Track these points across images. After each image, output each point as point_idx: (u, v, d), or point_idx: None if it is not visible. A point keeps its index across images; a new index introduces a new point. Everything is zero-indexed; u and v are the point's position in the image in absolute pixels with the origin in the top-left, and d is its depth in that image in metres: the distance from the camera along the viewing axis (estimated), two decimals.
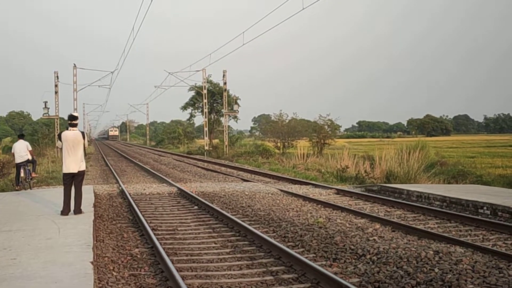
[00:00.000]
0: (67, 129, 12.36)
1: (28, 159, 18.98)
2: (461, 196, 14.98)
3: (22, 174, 18.82)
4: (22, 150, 18.85)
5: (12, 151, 19.30)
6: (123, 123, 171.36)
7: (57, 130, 42.89)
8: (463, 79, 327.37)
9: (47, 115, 46.37)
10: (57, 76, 45.33)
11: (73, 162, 12.07)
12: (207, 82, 55.57)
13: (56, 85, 45.18)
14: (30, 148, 19.38)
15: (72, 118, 12.43)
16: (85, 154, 12.89)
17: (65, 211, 12.16)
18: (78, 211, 12.25)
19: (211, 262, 9.08)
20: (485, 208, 13.66)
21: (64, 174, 12.22)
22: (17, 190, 18.80)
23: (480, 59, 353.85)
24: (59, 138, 12.46)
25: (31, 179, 19.64)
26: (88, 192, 16.10)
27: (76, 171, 12.14)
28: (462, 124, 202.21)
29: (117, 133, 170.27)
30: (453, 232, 11.42)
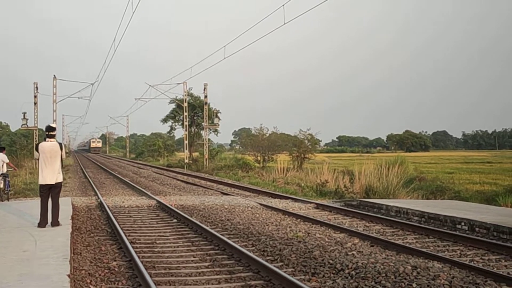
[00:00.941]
0: (45, 140, 12.27)
1: (3, 172, 18.81)
2: (439, 212, 15.08)
3: (1, 185, 18.66)
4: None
5: None
6: (103, 135, 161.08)
7: (36, 141, 42.49)
8: (445, 97, 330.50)
9: (26, 126, 46.05)
10: (37, 87, 45.08)
11: (50, 174, 11.96)
12: (188, 95, 55.69)
13: (35, 96, 44.91)
14: (7, 161, 19.22)
15: (50, 129, 12.35)
16: (63, 166, 12.78)
17: (42, 223, 12.03)
18: (55, 223, 12.12)
19: (189, 276, 9.03)
20: (462, 223, 13.76)
21: (41, 185, 12.11)
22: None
23: (462, 80, 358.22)
24: (36, 149, 12.38)
25: (9, 190, 19.43)
26: (66, 204, 15.97)
27: (53, 183, 12.03)
28: (440, 140, 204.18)
29: (100, 144, 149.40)
30: (431, 248, 11.47)
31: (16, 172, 19.55)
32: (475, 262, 10.01)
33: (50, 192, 12.13)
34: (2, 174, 18.74)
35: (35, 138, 46.09)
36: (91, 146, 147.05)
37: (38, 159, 12.31)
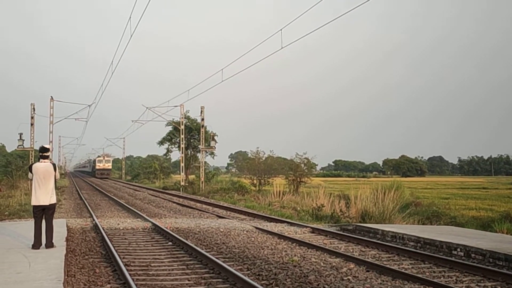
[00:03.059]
0: (39, 160, 12.26)
1: None
2: (435, 237, 15.05)
3: None
4: None
5: None
6: (99, 156, 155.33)
7: (32, 162, 42.44)
8: (439, 122, 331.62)
9: (22, 147, 45.98)
10: (34, 108, 45.10)
11: (44, 194, 11.92)
12: (185, 117, 55.65)
13: (32, 117, 44.93)
14: None
15: (44, 150, 12.35)
16: (56, 187, 12.74)
17: (36, 245, 11.96)
18: (49, 245, 12.05)
19: None
20: (458, 249, 13.73)
21: (34, 206, 12.05)
22: None
23: (457, 104, 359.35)
24: (30, 169, 12.34)
25: None
26: (60, 226, 15.91)
27: (47, 204, 11.98)
28: (436, 166, 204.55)
29: (109, 165, 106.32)
30: (427, 273, 11.42)
31: (4, 193, 19.43)
32: None
33: (44, 213, 12.08)
34: None
35: (31, 159, 45.98)
36: (97, 167, 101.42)
37: (31, 180, 12.26)
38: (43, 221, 12.10)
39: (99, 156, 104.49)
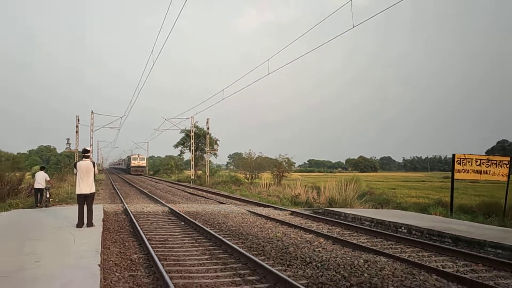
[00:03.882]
0: (82, 159, 12.25)
1: (46, 187, 18.82)
2: (385, 218, 15.13)
3: (47, 195, 18.77)
4: (41, 179, 18.92)
5: (34, 178, 19.13)
6: (128, 156, 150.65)
7: (76, 161, 42.26)
8: (388, 132, 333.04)
9: (69, 149, 45.86)
10: (78, 119, 44.86)
11: (85, 186, 11.94)
12: (194, 127, 55.75)
13: (77, 126, 44.69)
14: (48, 179, 19.23)
15: (85, 151, 12.42)
16: (95, 180, 12.72)
17: (79, 224, 11.97)
18: (90, 224, 12.05)
19: (193, 266, 8.96)
20: (403, 228, 13.80)
21: (78, 195, 12.07)
22: (38, 207, 18.47)
23: (403, 118, 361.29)
24: (75, 166, 12.35)
25: (49, 201, 19.30)
26: (98, 210, 15.87)
27: (88, 192, 12.00)
28: (386, 164, 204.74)
29: (144, 163, 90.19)
30: (379, 246, 11.48)
31: (55, 185, 19.39)
32: (412, 257, 10.02)
33: (85, 200, 12.07)
34: (45, 188, 18.75)
35: (76, 158, 45.78)
36: (132, 164, 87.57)
37: (76, 174, 12.25)
38: (85, 206, 12.10)
39: (133, 155, 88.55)
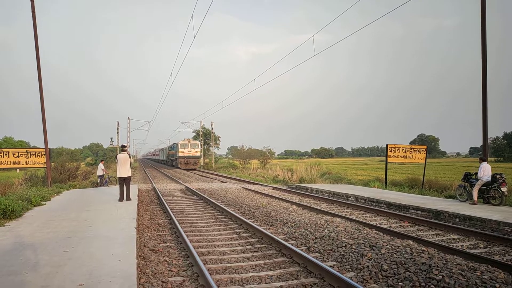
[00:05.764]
0: (120, 152, 12.17)
1: (103, 174, 19.22)
2: (339, 190, 15.24)
3: (103, 180, 19.29)
4: (100, 168, 19.33)
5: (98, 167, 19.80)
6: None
7: (117, 153, 41.83)
8: (345, 126, 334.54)
9: (112, 145, 45.56)
10: (118, 124, 44.36)
11: (124, 171, 11.84)
12: (203, 128, 55.60)
13: (117, 128, 44.22)
14: (103, 167, 19.31)
15: (123, 146, 12.33)
16: (131, 167, 12.60)
17: (121, 199, 11.86)
18: (128, 199, 11.95)
19: (203, 227, 8.97)
20: (351, 197, 13.92)
21: (119, 178, 11.96)
22: (95, 186, 18.72)
23: (357, 119, 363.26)
24: (116, 157, 12.28)
25: (106, 183, 19.37)
26: (134, 188, 15.76)
27: (125, 176, 11.89)
28: (339, 152, 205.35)
29: (198, 151, 42.38)
30: (335, 210, 11.58)
31: (108, 173, 19.64)
32: (359, 217, 10.14)
33: (124, 182, 11.97)
34: (102, 175, 19.19)
35: (117, 152, 45.35)
36: (180, 153, 41.61)
37: (117, 163, 12.17)
38: (124, 186, 12.00)
39: (183, 140, 43.03)
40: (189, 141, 42.01)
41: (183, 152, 41.58)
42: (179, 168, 40.94)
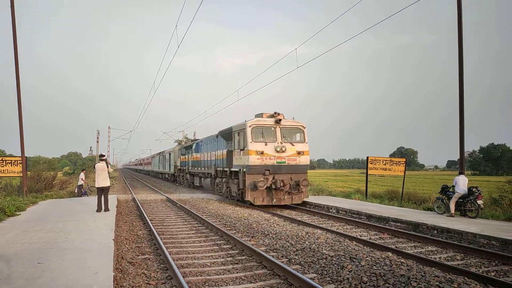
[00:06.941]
0: (99, 162, 12.00)
1: (82, 184, 19.08)
2: (321, 202, 15.29)
3: (82, 190, 19.04)
4: (80, 177, 19.39)
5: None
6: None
7: (95, 163, 41.08)
8: (326, 136, 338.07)
9: (91, 154, 44.68)
10: (98, 133, 43.75)
11: (101, 180, 11.62)
12: (185, 137, 55.30)
13: (97, 137, 43.55)
14: (83, 177, 19.04)
15: (101, 155, 12.19)
16: (110, 176, 12.40)
17: (98, 210, 11.61)
18: (106, 209, 11.71)
19: (183, 239, 8.85)
20: (333, 208, 13.99)
21: (97, 187, 11.73)
22: (75, 196, 18.43)
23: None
24: (94, 167, 12.11)
25: (86, 193, 19.04)
26: (113, 199, 15.43)
27: (104, 186, 11.66)
28: (321, 164, 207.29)
29: (304, 151, 14.92)
30: (316, 222, 11.62)
31: (87, 182, 19.46)
32: (339, 229, 10.19)
33: (102, 191, 11.73)
34: (81, 185, 19.06)
35: (95, 161, 44.60)
36: (255, 160, 13.37)
37: (95, 173, 11.95)
38: (102, 196, 11.76)
39: (254, 118, 14.37)
40: (278, 122, 14.62)
41: (260, 154, 14.28)
42: (244, 202, 15.56)
